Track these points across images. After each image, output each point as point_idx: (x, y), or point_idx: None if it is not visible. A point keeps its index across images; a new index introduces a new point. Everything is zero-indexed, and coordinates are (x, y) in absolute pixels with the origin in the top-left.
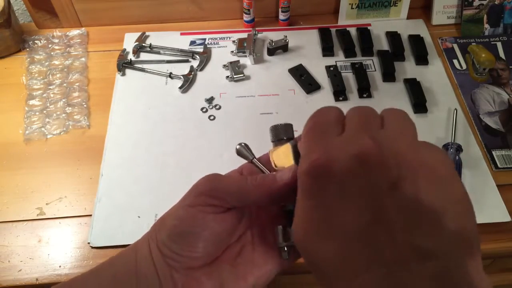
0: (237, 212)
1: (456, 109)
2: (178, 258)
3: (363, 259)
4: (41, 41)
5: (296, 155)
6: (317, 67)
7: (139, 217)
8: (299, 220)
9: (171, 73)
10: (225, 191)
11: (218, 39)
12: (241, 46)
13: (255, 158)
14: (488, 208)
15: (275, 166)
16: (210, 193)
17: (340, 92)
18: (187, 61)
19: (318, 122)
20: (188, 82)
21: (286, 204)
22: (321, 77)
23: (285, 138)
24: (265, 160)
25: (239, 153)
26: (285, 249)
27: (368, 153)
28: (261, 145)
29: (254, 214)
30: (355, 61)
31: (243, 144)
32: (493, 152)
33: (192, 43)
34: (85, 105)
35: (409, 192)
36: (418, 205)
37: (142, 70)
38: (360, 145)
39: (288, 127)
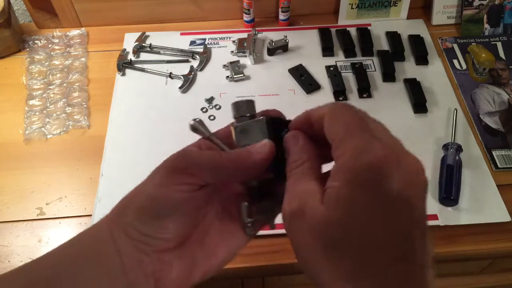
0: (207, 189)
1: (456, 109)
2: (149, 240)
3: (389, 257)
4: (41, 41)
5: (270, 131)
6: (317, 67)
7: None
8: (338, 197)
9: (171, 73)
10: (200, 167)
11: (218, 39)
12: (241, 46)
13: (212, 134)
14: (488, 208)
15: (237, 143)
16: (184, 170)
17: (340, 92)
18: (187, 61)
19: (359, 120)
20: (188, 82)
21: (251, 180)
22: (321, 77)
23: (247, 114)
24: (221, 135)
25: (194, 129)
26: (249, 225)
27: (421, 167)
28: None
29: (217, 190)
30: (355, 61)
31: (198, 120)
32: (493, 152)
33: (192, 43)
34: (85, 105)
35: (425, 217)
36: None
37: (142, 70)
38: (415, 161)
39: (250, 104)
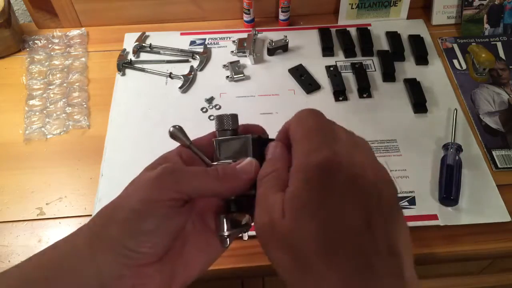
0: (190, 204)
1: (456, 109)
2: (132, 254)
3: (346, 253)
4: (41, 41)
5: (255, 149)
6: (317, 67)
7: None
8: (296, 210)
9: (171, 73)
10: (188, 186)
11: (218, 39)
12: (241, 46)
13: (192, 144)
14: (488, 208)
15: (219, 156)
16: (173, 188)
17: (340, 92)
18: (187, 61)
19: (319, 124)
20: (188, 82)
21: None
22: (321, 77)
23: (230, 128)
24: (201, 144)
25: (173, 136)
26: (225, 237)
27: (367, 163)
28: None
29: (195, 201)
30: (355, 61)
31: (177, 127)
32: (493, 152)
33: (192, 43)
34: (85, 105)
35: (391, 203)
36: (395, 214)
37: (142, 70)
38: (364, 156)
39: (234, 118)
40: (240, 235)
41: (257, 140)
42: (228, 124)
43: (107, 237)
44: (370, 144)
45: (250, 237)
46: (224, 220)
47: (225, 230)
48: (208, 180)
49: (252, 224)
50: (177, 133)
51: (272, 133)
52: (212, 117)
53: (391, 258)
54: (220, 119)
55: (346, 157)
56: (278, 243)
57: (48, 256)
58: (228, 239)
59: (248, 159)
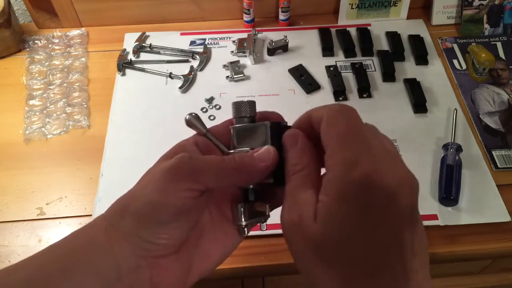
0: (207, 194)
1: (456, 109)
2: (149, 246)
3: (375, 268)
4: (41, 41)
5: (273, 136)
6: (317, 67)
7: None
8: (330, 219)
9: (171, 73)
10: (205, 174)
11: (218, 39)
12: (241, 46)
13: (209, 131)
14: (488, 208)
15: (236, 144)
16: (189, 177)
17: (340, 92)
18: (187, 61)
19: (353, 126)
20: (188, 82)
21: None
22: (321, 77)
23: (247, 115)
24: (218, 132)
25: (190, 124)
26: (243, 227)
27: (406, 179)
28: None
29: (212, 191)
30: (355, 61)
31: (193, 114)
32: (493, 152)
33: (192, 43)
34: (85, 105)
35: (418, 217)
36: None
37: (142, 70)
38: (401, 170)
39: (251, 105)
40: (258, 224)
41: (275, 127)
42: (246, 111)
43: (123, 228)
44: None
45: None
46: (242, 210)
47: (243, 219)
48: (225, 168)
49: (270, 216)
50: (193, 120)
51: None
52: (212, 117)
53: (414, 276)
54: (237, 106)
55: (384, 172)
56: (306, 240)
57: (65, 248)
58: (246, 228)
59: (266, 146)
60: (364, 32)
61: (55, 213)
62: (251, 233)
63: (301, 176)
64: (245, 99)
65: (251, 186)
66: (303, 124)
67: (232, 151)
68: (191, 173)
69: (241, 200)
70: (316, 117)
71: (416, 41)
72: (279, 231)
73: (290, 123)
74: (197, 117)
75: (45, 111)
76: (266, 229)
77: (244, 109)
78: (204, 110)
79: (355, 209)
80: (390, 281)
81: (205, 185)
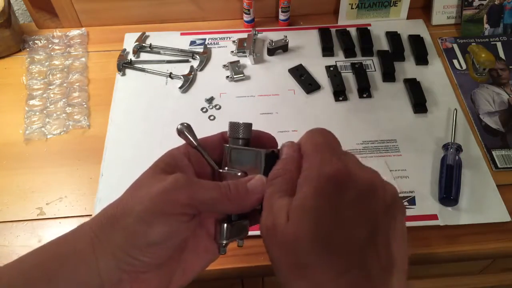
0: (198, 217)
1: (456, 109)
2: (134, 262)
3: (348, 263)
4: (41, 41)
5: (266, 166)
6: (317, 67)
7: None
8: (303, 215)
9: (171, 73)
10: (200, 201)
11: (218, 39)
12: (241, 46)
13: (200, 145)
14: (488, 208)
15: (229, 164)
16: (186, 201)
17: (340, 92)
18: (187, 61)
19: (329, 140)
20: (188, 82)
21: None
22: (321, 77)
23: (241, 137)
24: (208, 145)
25: (180, 134)
26: (223, 245)
27: (377, 179)
28: None
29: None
30: (355, 61)
31: (185, 124)
32: (493, 152)
33: (192, 43)
34: (85, 105)
35: (396, 218)
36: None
37: (142, 70)
38: (371, 172)
39: (248, 127)
40: (237, 242)
41: (270, 156)
42: (241, 133)
43: (111, 242)
44: (371, 144)
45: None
46: (225, 229)
47: (225, 238)
48: (220, 197)
49: (248, 234)
50: (185, 131)
51: (271, 134)
52: (212, 117)
53: (388, 276)
54: (233, 126)
55: (357, 171)
56: (280, 245)
57: (49, 254)
58: (226, 247)
59: (259, 176)
60: (364, 32)
61: (55, 213)
62: (251, 233)
63: (280, 181)
64: (243, 122)
65: None
66: (294, 148)
67: (222, 170)
68: (187, 197)
69: (225, 219)
70: (299, 141)
71: (416, 41)
72: None
73: (290, 123)
74: (189, 127)
75: (45, 111)
76: (242, 246)
77: (241, 130)
78: (204, 110)
79: (328, 203)
80: (362, 278)
81: (199, 210)
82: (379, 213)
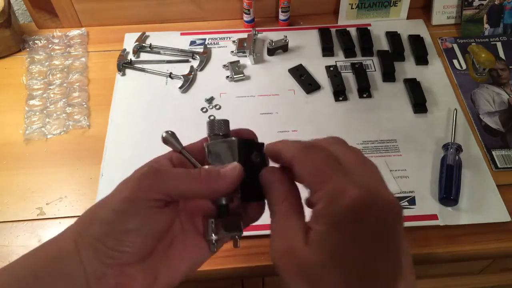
0: (174, 205)
1: (456, 109)
2: (113, 254)
3: None
4: (41, 41)
5: (241, 153)
6: (317, 67)
7: None
8: (319, 247)
9: (171, 73)
10: (170, 186)
11: (218, 39)
12: (241, 46)
13: (184, 148)
14: (488, 208)
15: (210, 160)
16: (155, 188)
17: (340, 92)
18: (187, 61)
19: (326, 160)
20: (188, 82)
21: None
22: (321, 77)
23: (220, 133)
24: (193, 150)
25: (166, 141)
26: (214, 242)
27: (395, 203)
28: None
29: (184, 203)
30: (355, 61)
31: (169, 132)
32: (493, 152)
33: (192, 43)
34: (85, 105)
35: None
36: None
37: (142, 70)
38: (388, 194)
39: (225, 124)
40: (232, 242)
41: (244, 144)
42: (219, 129)
43: (89, 235)
44: (371, 144)
45: (251, 237)
46: (212, 225)
47: (213, 234)
48: (189, 180)
49: (243, 232)
50: (169, 138)
51: (271, 134)
52: (212, 117)
53: None
54: (211, 124)
55: (371, 197)
56: (299, 270)
57: (36, 255)
58: (216, 244)
59: (233, 163)
60: (364, 32)
61: (55, 213)
62: (251, 233)
63: (285, 206)
64: (220, 118)
65: (223, 202)
66: (272, 157)
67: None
68: (156, 183)
69: (214, 215)
70: (285, 157)
71: (416, 41)
72: None
73: (290, 123)
74: (173, 134)
75: (45, 111)
76: (239, 246)
77: (217, 127)
78: (204, 110)
79: (347, 236)
80: None
81: (169, 195)
82: (398, 240)
